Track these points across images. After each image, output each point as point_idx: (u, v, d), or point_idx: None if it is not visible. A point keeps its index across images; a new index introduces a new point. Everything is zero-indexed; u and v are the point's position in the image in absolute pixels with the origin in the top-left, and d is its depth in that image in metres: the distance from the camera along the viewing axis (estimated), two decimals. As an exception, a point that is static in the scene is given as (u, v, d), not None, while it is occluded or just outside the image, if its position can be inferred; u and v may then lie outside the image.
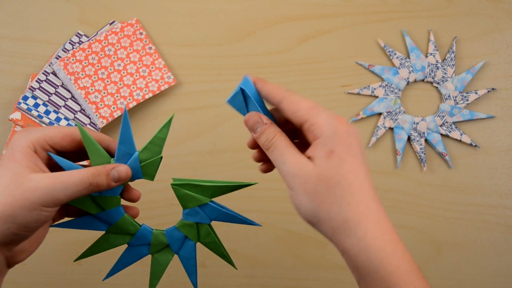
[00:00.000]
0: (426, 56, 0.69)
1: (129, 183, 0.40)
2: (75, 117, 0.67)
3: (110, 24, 0.69)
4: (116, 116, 0.67)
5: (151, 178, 0.39)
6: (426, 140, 0.69)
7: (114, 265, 0.44)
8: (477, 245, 0.69)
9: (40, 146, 0.35)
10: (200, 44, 0.70)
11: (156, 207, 0.67)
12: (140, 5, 0.70)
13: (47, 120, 0.65)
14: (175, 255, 0.43)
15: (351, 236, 0.33)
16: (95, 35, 0.68)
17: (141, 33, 0.68)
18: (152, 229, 0.42)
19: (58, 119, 0.66)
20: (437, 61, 0.69)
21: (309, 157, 0.36)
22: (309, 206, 0.34)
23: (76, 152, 0.38)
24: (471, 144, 0.68)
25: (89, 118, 0.67)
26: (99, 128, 0.67)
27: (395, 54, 0.69)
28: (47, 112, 0.66)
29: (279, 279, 0.69)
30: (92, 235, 0.67)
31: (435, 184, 0.69)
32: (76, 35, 0.69)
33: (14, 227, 0.33)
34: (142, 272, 0.68)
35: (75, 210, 0.41)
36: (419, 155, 0.68)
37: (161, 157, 0.38)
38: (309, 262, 0.69)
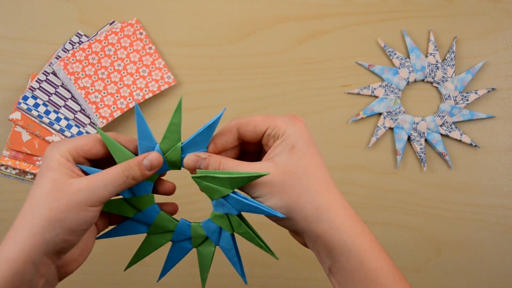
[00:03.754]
0: (426, 56, 0.69)
1: (161, 177, 0.41)
2: (75, 117, 0.67)
3: (110, 24, 0.69)
4: (116, 116, 0.67)
5: (178, 167, 0.40)
6: (426, 140, 0.69)
7: (164, 265, 0.44)
8: (477, 245, 0.69)
9: (71, 155, 0.36)
10: (200, 44, 0.70)
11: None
12: (140, 5, 0.70)
13: (47, 120, 0.65)
14: (217, 247, 0.43)
15: (323, 221, 0.36)
16: (95, 35, 0.68)
17: (141, 33, 0.68)
18: (190, 222, 0.42)
19: (58, 119, 0.66)
20: (437, 61, 0.69)
21: (266, 158, 0.38)
22: (279, 203, 0.36)
23: (108, 158, 0.39)
24: (471, 144, 0.68)
25: (89, 118, 0.67)
26: (99, 128, 0.67)
27: (395, 54, 0.69)
28: (47, 112, 0.66)
29: (279, 279, 0.69)
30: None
31: (435, 184, 0.69)
32: (76, 35, 0.69)
33: (63, 232, 0.34)
34: (142, 272, 0.68)
35: (116, 219, 0.42)
36: (419, 155, 0.68)
37: (182, 144, 0.39)
38: (309, 262, 0.69)
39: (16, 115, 0.65)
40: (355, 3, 0.70)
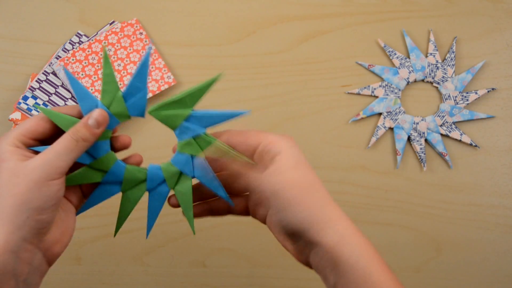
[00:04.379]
0: (426, 56, 0.69)
1: (114, 135, 0.40)
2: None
3: (110, 24, 0.69)
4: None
5: (126, 116, 0.39)
6: (426, 140, 0.69)
7: (147, 218, 0.43)
8: (477, 245, 0.69)
9: (20, 141, 0.36)
10: (200, 44, 0.70)
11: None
12: (140, 5, 0.70)
13: (47, 120, 0.65)
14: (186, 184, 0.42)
15: (335, 233, 0.36)
16: (95, 35, 0.68)
17: (141, 33, 0.69)
18: (159, 165, 0.41)
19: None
20: (437, 61, 0.69)
21: (274, 174, 0.38)
22: (298, 215, 0.37)
23: (58, 134, 0.39)
24: (471, 144, 0.68)
25: (89, 118, 0.67)
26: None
27: (395, 54, 0.69)
28: (47, 112, 0.66)
29: (279, 279, 0.69)
30: (93, 233, 0.67)
31: (435, 184, 0.69)
32: (76, 35, 0.69)
33: (33, 213, 0.34)
34: (142, 272, 0.68)
35: (89, 190, 0.41)
36: (419, 155, 0.68)
37: (122, 93, 0.38)
38: (309, 262, 0.69)
39: (16, 115, 0.65)
40: (355, 3, 0.70)
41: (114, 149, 0.41)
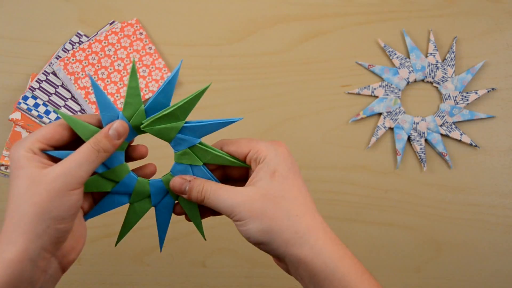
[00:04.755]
0: (426, 56, 0.69)
1: (132, 144, 0.41)
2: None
3: (110, 24, 0.69)
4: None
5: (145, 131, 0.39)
6: (426, 140, 0.69)
7: (158, 233, 0.44)
8: (477, 245, 0.69)
9: (37, 148, 0.36)
10: (200, 44, 0.70)
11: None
12: (140, 5, 0.70)
13: (47, 120, 0.65)
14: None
15: (303, 244, 0.36)
16: (95, 35, 0.68)
17: (141, 33, 0.69)
18: (160, 178, 0.42)
19: (58, 119, 0.66)
20: (437, 61, 0.69)
21: (248, 184, 0.38)
22: (260, 227, 0.36)
23: (75, 141, 0.39)
24: (471, 144, 0.68)
25: (89, 118, 0.67)
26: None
27: (395, 54, 0.69)
28: (47, 112, 0.66)
29: (279, 279, 0.69)
30: (93, 233, 0.67)
31: (435, 184, 0.69)
32: (76, 35, 0.69)
33: (53, 222, 0.34)
34: (142, 272, 0.68)
35: (100, 196, 0.42)
36: (419, 155, 0.68)
37: (145, 107, 0.38)
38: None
39: (16, 115, 0.65)
40: (355, 3, 0.70)
41: (131, 158, 0.41)
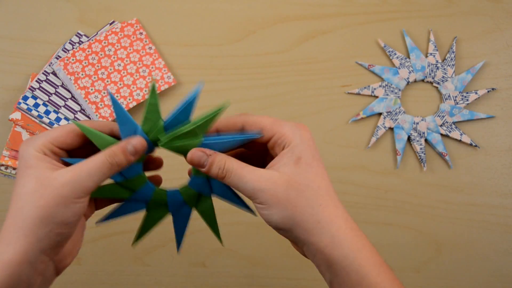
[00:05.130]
0: (426, 56, 0.69)
1: (151, 156, 0.41)
2: (75, 117, 0.67)
3: (110, 24, 0.69)
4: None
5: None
6: (426, 140, 0.69)
7: (175, 236, 0.44)
8: (477, 245, 0.69)
9: (47, 149, 0.36)
10: (200, 44, 0.70)
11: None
12: (140, 5, 0.70)
13: (47, 120, 0.65)
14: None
15: (324, 234, 0.36)
16: (95, 35, 0.68)
17: (141, 33, 0.68)
18: (177, 189, 0.42)
19: (58, 119, 0.66)
20: (437, 61, 0.69)
21: (271, 167, 0.37)
22: (282, 214, 0.36)
23: (85, 147, 0.39)
24: (471, 144, 0.68)
25: (89, 118, 0.67)
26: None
27: (395, 54, 0.69)
28: (47, 112, 0.66)
29: (279, 279, 0.69)
30: (93, 233, 0.67)
31: (435, 184, 0.69)
32: (76, 35, 0.69)
33: (55, 227, 0.34)
34: (142, 272, 0.68)
35: (103, 202, 0.42)
36: (419, 155, 0.68)
37: (164, 123, 0.38)
38: (309, 262, 0.69)
39: (16, 115, 0.65)
40: (355, 3, 0.70)
41: (147, 169, 0.41)
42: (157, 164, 0.42)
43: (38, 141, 0.36)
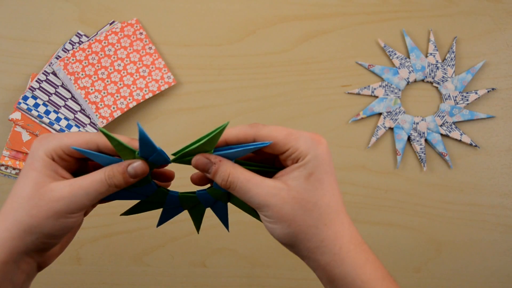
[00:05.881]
0: (426, 56, 0.69)
1: (160, 169, 0.42)
2: (75, 117, 0.67)
3: (110, 24, 0.69)
4: (116, 116, 0.67)
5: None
6: (426, 140, 0.69)
7: (160, 216, 0.44)
8: (477, 245, 0.69)
9: (57, 155, 0.36)
10: (200, 44, 0.70)
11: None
12: (140, 5, 0.70)
13: (47, 120, 0.65)
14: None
15: (327, 253, 0.35)
16: (95, 35, 0.68)
17: (141, 33, 0.68)
18: (177, 193, 0.42)
19: (58, 119, 0.66)
20: (437, 61, 0.69)
21: (280, 178, 0.36)
22: (286, 231, 0.35)
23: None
24: (471, 144, 0.68)
25: (89, 118, 0.67)
26: (99, 128, 0.67)
27: (395, 54, 0.69)
28: (47, 112, 0.66)
29: (279, 279, 0.69)
30: (93, 233, 0.67)
31: (435, 184, 0.69)
32: (76, 35, 0.69)
33: (42, 237, 0.34)
34: (142, 273, 0.68)
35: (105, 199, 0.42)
36: (419, 155, 0.68)
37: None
38: (309, 262, 0.69)
39: (16, 115, 0.65)
40: (355, 3, 0.70)
41: (158, 179, 0.41)
42: (169, 176, 0.42)
43: (50, 144, 0.36)
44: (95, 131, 0.67)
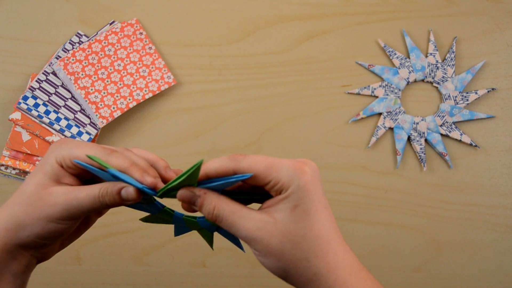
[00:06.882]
0: (426, 56, 0.69)
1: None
2: (75, 117, 0.67)
3: (110, 24, 0.69)
4: (116, 116, 0.67)
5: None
6: (426, 140, 0.69)
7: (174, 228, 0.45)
8: (477, 245, 0.69)
9: (65, 164, 0.36)
10: (200, 44, 0.70)
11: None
12: (140, 5, 0.70)
13: (47, 120, 0.65)
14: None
15: (321, 286, 0.34)
16: (95, 35, 0.68)
17: (141, 33, 0.68)
18: (183, 215, 0.42)
19: (58, 119, 0.66)
20: (437, 61, 0.69)
21: (267, 210, 0.35)
22: (276, 265, 0.35)
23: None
24: (471, 144, 0.68)
25: (89, 118, 0.67)
26: (99, 128, 0.67)
27: (395, 54, 0.69)
28: (47, 112, 0.66)
29: (279, 279, 0.69)
30: (93, 233, 0.67)
31: (435, 184, 0.69)
32: (76, 35, 0.69)
33: (33, 236, 0.36)
34: (142, 273, 0.68)
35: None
36: (419, 155, 0.68)
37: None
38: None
39: (16, 115, 0.65)
40: (355, 3, 0.70)
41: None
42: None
43: (61, 151, 0.36)
44: (95, 131, 0.67)
